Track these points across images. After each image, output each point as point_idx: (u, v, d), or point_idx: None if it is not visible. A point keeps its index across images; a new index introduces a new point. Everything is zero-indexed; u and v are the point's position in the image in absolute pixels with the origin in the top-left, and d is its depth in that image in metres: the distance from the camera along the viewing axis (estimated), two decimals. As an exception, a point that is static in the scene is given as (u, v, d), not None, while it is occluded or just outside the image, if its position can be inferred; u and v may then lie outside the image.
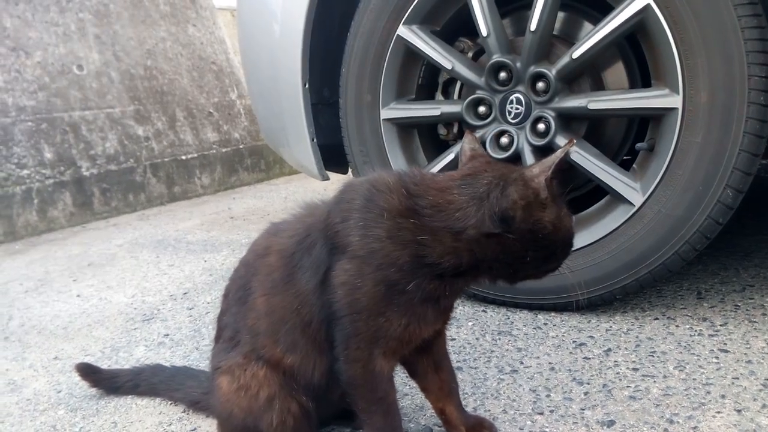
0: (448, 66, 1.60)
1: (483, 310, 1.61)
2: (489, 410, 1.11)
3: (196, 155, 4.18)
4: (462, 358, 1.34)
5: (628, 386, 1.15)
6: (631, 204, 1.40)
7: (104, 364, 1.46)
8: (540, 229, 0.81)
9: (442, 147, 1.79)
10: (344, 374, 0.86)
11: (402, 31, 1.64)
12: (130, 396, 1.29)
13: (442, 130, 1.80)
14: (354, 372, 0.85)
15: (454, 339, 1.44)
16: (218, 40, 4.74)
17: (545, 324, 1.49)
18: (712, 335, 1.34)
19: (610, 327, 1.43)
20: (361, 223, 0.83)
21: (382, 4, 1.65)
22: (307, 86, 1.83)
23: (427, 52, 1.61)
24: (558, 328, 1.46)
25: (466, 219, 0.81)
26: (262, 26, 1.94)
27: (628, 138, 1.67)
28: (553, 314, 1.54)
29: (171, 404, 1.24)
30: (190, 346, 1.54)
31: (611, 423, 1.04)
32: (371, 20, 1.67)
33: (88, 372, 1.30)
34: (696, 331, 1.37)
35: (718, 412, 1.04)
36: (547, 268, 0.88)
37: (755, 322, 1.39)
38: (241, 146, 4.52)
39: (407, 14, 1.62)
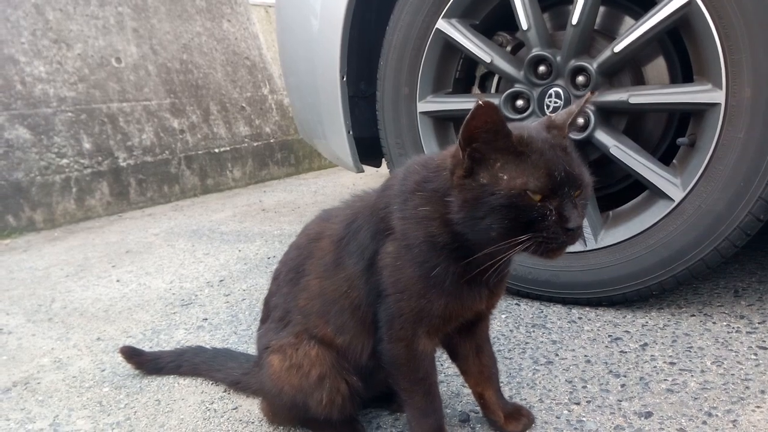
0: (487, 59, 1.60)
1: (516, 303, 1.61)
2: (525, 399, 1.12)
3: (228, 148, 4.24)
4: (496, 348, 1.35)
5: (665, 379, 1.15)
6: (671, 199, 1.39)
7: (146, 346, 1.50)
8: (459, 193, 0.78)
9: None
10: (387, 354, 0.88)
11: (441, 24, 1.65)
12: (172, 376, 1.33)
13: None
14: (398, 351, 0.87)
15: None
16: (252, 35, 4.80)
17: (579, 318, 1.49)
18: (750, 332, 1.33)
19: (646, 322, 1.43)
20: (396, 206, 0.86)
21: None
22: (344, 79, 1.86)
23: (466, 46, 1.63)
24: (593, 322, 1.46)
25: (446, 182, 0.81)
26: (301, 21, 1.97)
27: (668, 133, 1.65)
28: (587, 309, 1.54)
29: (212, 384, 1.28)
30: (228, 330, 1.58)
31: (649, 414, 1.04)
32: (411, 14, 1.69)
33: (132, 354, 1.34)
34: (733, 328, 1.36)
35: (758, 407, 1.03)
36: (490, 237, 0.76)
37: (795, 321, 1.37)
38: (272, 140, 4.58)
39: (447, 8, 1.63)
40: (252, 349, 1.44)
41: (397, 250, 0.85)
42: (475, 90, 1.81)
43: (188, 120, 4.05)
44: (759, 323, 1.37)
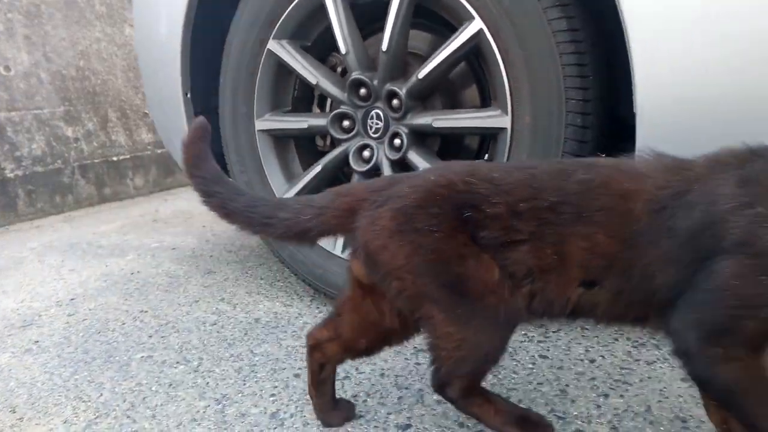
0: (313, 81, 1.65)
1: (348, 317, 1.67)
2: (305, 416, 1.17)
3: (128, 156, 4.17)
4: (299, 365, 1.39)
5: (440, 391, 1.23)
6: (473, 217, 1.47)
7: (-36, 371, 1.49)
8: None
9: (319, 157, 1.85)
10: (725, 376, 0.79)
11: (272, 45, 1.69)
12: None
13: (319, 141, 1.86)
14: (736, 371, 0.78)
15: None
16: (157, 40, 4.72)
17: (398, 330, 1.55)
18: (541, 341, 1.42)
19: (454, 334, 1.50)
20: (755, 211, 0.76)
21: (253, 19, 1.70)
22: (188, 95, 1.87)
23: (295, 67, 1.67)
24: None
25: None
26: (152, 26, 1.96)
27: (480, 155, 1.74)
28: (410, 321, 1.61)
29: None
30: (54, 353, 1.57)
31: (407, 427, 1.10)
32: (243, 34, 1.72)
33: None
34: (528, 337, 1.45)
35: (508, 416, 1.11)
36: None
37: (587, 329, 1.48)
38: (178, 147, 4.52)
39: (276, 30, 1.67)
40: (62, 376, 1.45)
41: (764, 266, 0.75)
42: (315, 109, 1.85)
43: (84, 128, 3.96)
44: (553, 332, 1.47)
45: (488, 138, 1.70)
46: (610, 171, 0.86)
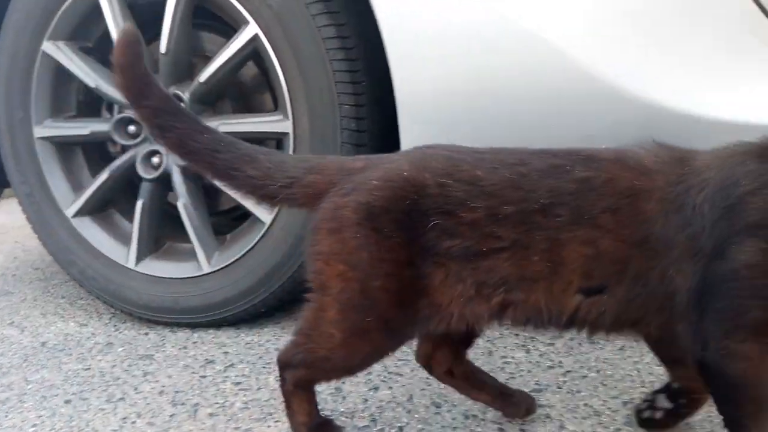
0: (92, 84, 1.56)
1: (145, 333, 1.59)
2: (61, 444, 1.10)
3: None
4: (81, 389, 1.30)
5: (216, 402, 1.20)
6: (263, 222, 1.46)
7: None
8: None
9: (112, 165, 1.75)
10: (729, 369, 0.74)
11: (47, 46, 1.57)
12: None
13: (112, 147, 1.76)
14: (743, 367, 0.74)
15: (89, 369, 1.40)
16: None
17: (194, 343, 1.51)
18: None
19: (250, 341, 1.49)
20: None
21: (25, 19, 1.57)
22: (-42, 102, 1.68)
23: (72, 70, 1.57)
24: (203, 345, 1.48)
25: None
26: None
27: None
28: (210, 331, 1.57)
29: None
30: None
31: (169, 445, 1.07)
32: (14, 34, 1.59)
33: None
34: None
35: (277, 421, 1.11)
36: None
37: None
38: None
39: (50, 30, 1.55)
40: None
41: None
42: (105, 114, 1.75)
43: None
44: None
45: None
46: (613, 167, 0.79)
